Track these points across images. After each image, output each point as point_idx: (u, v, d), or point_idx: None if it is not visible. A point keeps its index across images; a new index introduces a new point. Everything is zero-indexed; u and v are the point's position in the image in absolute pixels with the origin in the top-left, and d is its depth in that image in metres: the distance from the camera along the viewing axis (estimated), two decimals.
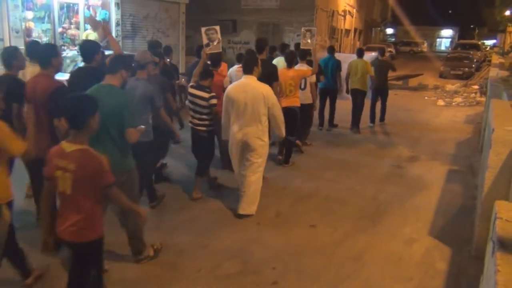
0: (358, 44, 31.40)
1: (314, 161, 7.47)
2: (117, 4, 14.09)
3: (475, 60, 24.67)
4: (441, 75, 22.47)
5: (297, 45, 8.32)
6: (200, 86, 5.40)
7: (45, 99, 3.93)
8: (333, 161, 7.51)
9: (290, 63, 6.84)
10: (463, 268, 4.21)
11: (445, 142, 9.22)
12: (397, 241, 4.72)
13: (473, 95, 15.97)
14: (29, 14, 11.74)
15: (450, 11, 61.39)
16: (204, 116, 5.40)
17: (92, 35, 12.43)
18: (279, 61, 7.36)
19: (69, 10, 12.92)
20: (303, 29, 7.11)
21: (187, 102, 5.66)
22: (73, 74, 4.89)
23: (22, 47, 11.21)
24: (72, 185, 2.70)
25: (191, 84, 5.57)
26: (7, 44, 10.99)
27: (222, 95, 5.34)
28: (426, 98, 15.71)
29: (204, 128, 5.44)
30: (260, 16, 20.19)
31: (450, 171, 7.23)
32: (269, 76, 5.75)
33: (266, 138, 5.11)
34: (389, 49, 26.06)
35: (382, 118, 10.60)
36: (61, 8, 12.61)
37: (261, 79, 5.13)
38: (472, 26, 62.10)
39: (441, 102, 14.64)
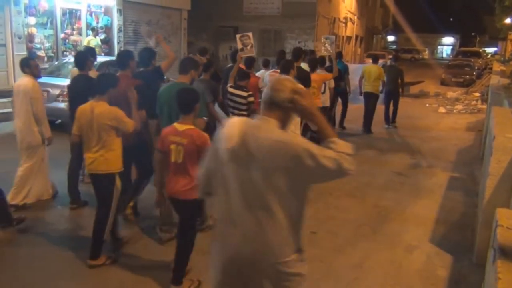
0: (359, 51, 31.48)
1: None
2: (119, 11, 14.18)
3: (476, 68, 24.71)
4: (442, 83, 22.49)
5: (311, 52, 9.27)
6: (238, 86, 5.95)
7: (126, 94, 4.37)
8: None
9: (313, 68, 7.56)
10: (464, 276, 4.19)
11: (446, 149, 9.21)
12: (397, 248, 4.70)
13: (474, 102, 15.98)
14: (32, 20, 11.82)
15: (451, 19, 61.54)
16: (243, 112, 5.80)
17: (94, 41, 12.50)
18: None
19: (72, 16, 13.01)
20: (323, 38, 8.14)
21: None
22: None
23: (24, 52, 11.32)
24: (183, 155, 3.47)
25: (230, 85, 6.11)
26: (10, 50, 11.06)
27: (257, 94, 6.02)
28: (427, 105, 15.71)
29: None
30: (262, 22, 20.26)
31: (451, 178, 7.21)
32: (304, 80, 6.19)
33: (298, 130, 5.73)
34: (389, 56, 26.06)
35: (393, 120, 11.18)
36: (64, 14, 12.70)
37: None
38: (473, 33, 62.25)
39: (442, 109, 14.65)
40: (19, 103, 5.12)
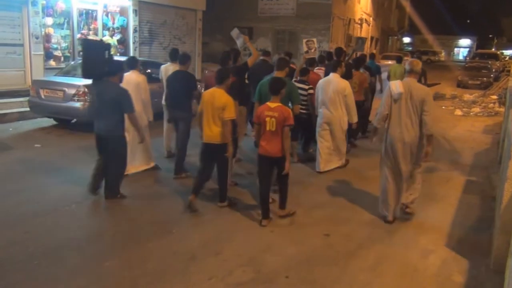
0: (375, 53, 31.22)
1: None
2: (135, 11, 14.27)
3: (493, 70, 24.35)
4: (459, 85, 22.21)
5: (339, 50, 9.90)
6: (301, 81, 7.37)
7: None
8: (348, 169, 7.42)
9: (357, 67, 8.87)
10: (481, 282, 4.10)
11: (462, 152, 9.08)
12: (412, 252, 4.64)
13: (491, 105, 15.73)
14: (49, 21, 11.96)
15: (468, 21, 60.77)
16: (303, 103, 7.08)
17: (110, 42, 12.59)
18: None
19: (88, 17, 13.13)
20: (358, 40, 9.33)
21: None
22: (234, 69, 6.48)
23: (41, 52, 11.45)
24: (276, 125, 4.83)
25: (294, 79, 7.38)
26: (27, 50, 11.20)
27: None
28: (443, 107, 15.51)
29: (304, 111, 7.21)
30: (277, 23, 20.25)
31: (467, 182, 7.10)
32: (347, 75, 7.61)
33: (345, 118, 7.07)
34: (405, 58, 25.84)
35: None
36: (80, 14, 12.82)
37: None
38: (490, 35, 61.43)
39: (458, 112, 14.45)
40: (133, 94, 5.80)
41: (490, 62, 25.93)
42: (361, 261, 4.38)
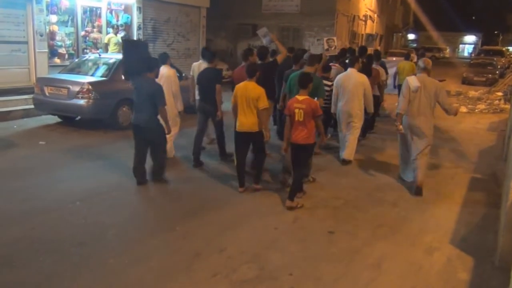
0: (380, 49, 31.07)
1: (332, 166, 7.39)
2: (139, 8, 14.27)
3: (499, 67, 24.21)
4: (464, 82, 22.08)
5: (363, 48, 10.75)
6: (323, 77, 7.57)
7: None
8: (352, 166, 7.41)
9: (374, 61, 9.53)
10: (486, 280, 4.08)
11: (467, 149, 9.04)
12: (417, 249, 4.62)
13: (497, 102, 15.63)
14: (53, 18, 11.97)
15: (473, 17, 60.38)
16: (326, 97, 7.39)
17: (114, 39, 12.60)
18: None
19: (92, 14, 13.13)
20: (369, 36, 9.78)
21: None
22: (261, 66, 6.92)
23: (46, 50, 11.48)
24: (303, 115, 5.35)
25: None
26: (32, 48, 11.22)
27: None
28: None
29: (324, 105, 7.34)
30: (281, 20, 20.18)
31: (472, 179, 7.07)
32: (367, 71, 8.20)
33: (362, 110, 7.49)
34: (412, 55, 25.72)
35: None
36: (84, 12, 12.82)
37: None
38: (496, 32, 61.02)
39: (463, 109, 14.37)
40: (165, 86, 6.36)
41: (495, 58, 25.78)
42: (365, 259, 4.37)
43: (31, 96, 9.64)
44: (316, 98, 5.88)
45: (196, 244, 4.47)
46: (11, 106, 9.84)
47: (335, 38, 9.18)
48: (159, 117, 5.91)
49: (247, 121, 5.76)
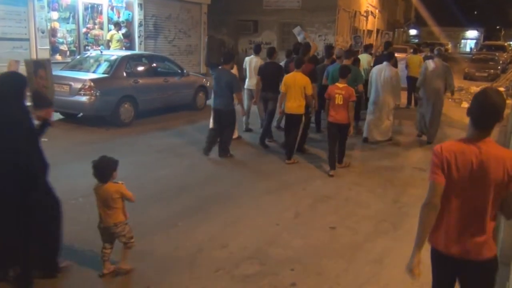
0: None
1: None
2: (140, 5, 14.25)
3: (501, 62, 24.14)
4: (466, 77, 22.02)
5: (389, 43, 12.65)
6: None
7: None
8: (354, 162, 7.42)
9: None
10: None
11: None
12: None
13: None
14: (55, 15, 11.96)
15: (475, 12, 60.12)
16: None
17: (116, 36, 12.59)
18: (363, 57, 10.76)
19: (93, 11, 13.12)
20: (387, 34, 12.14)
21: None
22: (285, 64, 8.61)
23: (47, 47, 11.49)
24: (342, 99, 6.51)
25: None
26: (33, 44, 11.23)
27: None
28: (450, 100, 15.40)
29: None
30: (282, 16, 20.11)
31: None
32: (394, 64, 9.39)
33: (392, 99, 8.61)
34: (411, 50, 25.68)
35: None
36: (86, 8, 12.81)
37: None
38: (498, 27, 60.77)
39: (465, 104, 14.35)
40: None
41: (497, 54, 25.70)
42: (367, 254, 4.40)
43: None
44: (356, 85, 7.44)
45: (199, 240, 4.49)
46: None
47: (361, 35, 10.56)
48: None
49: (295, 104, 6.93)
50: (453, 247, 2.62)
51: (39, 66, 3.80)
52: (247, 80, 9.10)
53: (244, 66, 9.23)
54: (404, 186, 6.40)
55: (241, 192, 5.91)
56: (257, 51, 9.18)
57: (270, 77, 8.05)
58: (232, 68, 7.33)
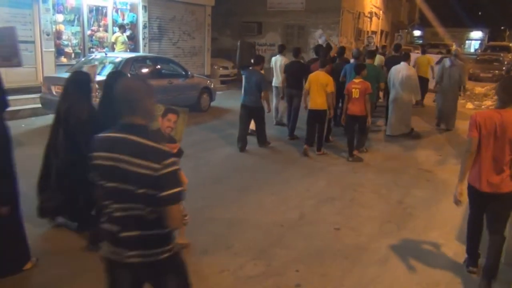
0: (386, 45, 30.95)
1: (338, 163, 7.40)
2: (144, 7, 14.29)
3: (505, 63, 24.01)
4: (470, 78, 21.89)
5: (399, 45, 12.83)
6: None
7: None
8: (357, 164, 7.42)
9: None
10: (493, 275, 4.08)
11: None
12: (423, 245, 4.63)
13: None
14: (60, 17, 12.01)
15: (479, 13, 59.88)
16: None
17: (121, 38, 12.64)
18: (376, 58, 10.79)
19: (98, 13, 13.17)
20: (399, 36, 12.08)
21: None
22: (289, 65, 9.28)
23: (52, 49, 11.55)
24: (359, 93, 7.22)
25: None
26: (38, 47, 11.29)
27: None
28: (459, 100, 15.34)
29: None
30: (286, 18, 20.11)
31: None
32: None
33: (410, 97, 9.28)
34: (416, 51, 25.65)
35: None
36: (90, 11, 12.86)
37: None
38: (502, 27, 60.51)
39: (470, 105, 14.30)
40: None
41: (502, 54, 25.58)
42: (371, 255, 4.40)
43: (38, 95, 9.70)
44: (376, 84, 8.32)
45: (203, 241, 4.50)
46: (19, 105, 9.89)
47: (374, 36, 10.33)
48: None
49: (319, 100, 7.48)
50: (483, 183, 3.67)
51: (171, 111, 3.96)
52: (274, 78, 9.79)
53: (271, 65, 9.90)
54: (408, 187, 6.39)
55: (247, 192, 5.92)
56: (281, 50, 9.88)
57: (295, 75, 8.73)
58: (261, 69, 7.87)
